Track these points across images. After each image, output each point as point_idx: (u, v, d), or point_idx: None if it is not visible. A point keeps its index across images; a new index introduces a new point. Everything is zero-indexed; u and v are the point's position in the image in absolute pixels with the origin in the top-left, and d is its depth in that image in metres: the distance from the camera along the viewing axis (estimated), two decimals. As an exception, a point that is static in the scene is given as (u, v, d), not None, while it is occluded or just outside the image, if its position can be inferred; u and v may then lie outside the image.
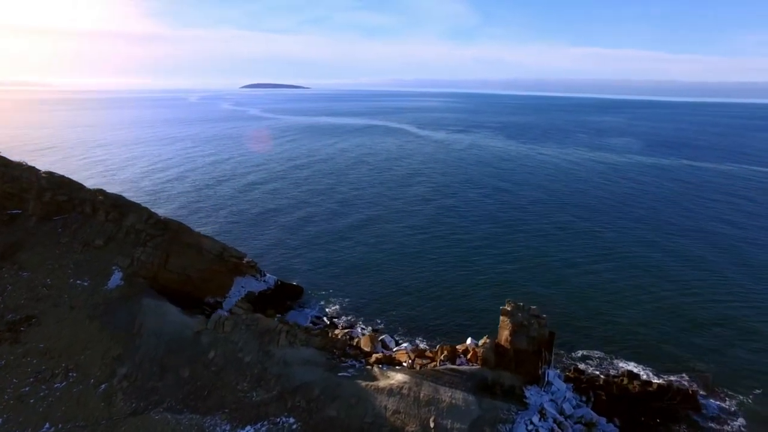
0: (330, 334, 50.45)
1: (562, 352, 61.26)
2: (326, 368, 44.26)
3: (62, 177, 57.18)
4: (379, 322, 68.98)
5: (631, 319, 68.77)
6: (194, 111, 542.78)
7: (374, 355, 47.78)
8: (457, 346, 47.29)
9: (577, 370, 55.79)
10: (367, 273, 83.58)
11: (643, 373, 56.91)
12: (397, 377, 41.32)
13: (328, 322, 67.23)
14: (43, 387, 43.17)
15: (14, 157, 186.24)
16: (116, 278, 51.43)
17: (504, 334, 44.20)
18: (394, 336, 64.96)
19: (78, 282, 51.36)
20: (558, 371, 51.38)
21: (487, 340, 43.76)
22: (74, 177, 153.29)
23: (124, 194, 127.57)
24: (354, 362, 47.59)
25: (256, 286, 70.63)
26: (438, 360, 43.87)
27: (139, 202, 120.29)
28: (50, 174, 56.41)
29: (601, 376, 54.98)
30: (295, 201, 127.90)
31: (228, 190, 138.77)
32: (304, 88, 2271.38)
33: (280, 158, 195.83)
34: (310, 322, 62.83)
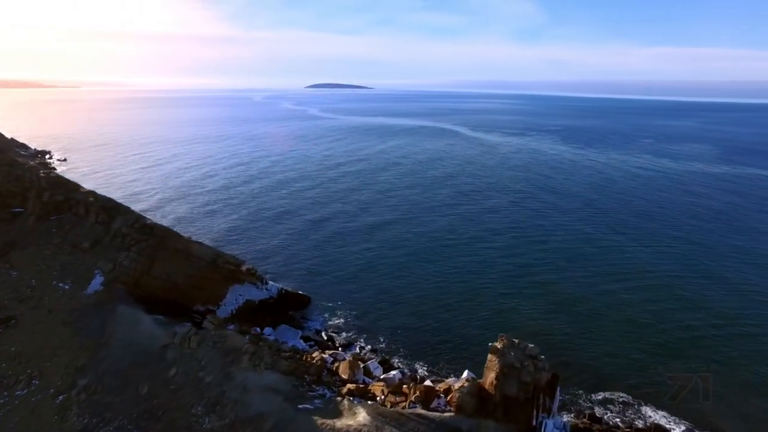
0: (305, 357, 46.21)
1: (581, 392, 53.47)
2: (288, 397, 40.07)
3: (59, 177, 57.24)
4: (381, 340, 64.15)
5: (669, 354, 59.31)
6: (255, 110, 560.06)
7: (348, 385, 43.04)
8: (439, 385, 41.53)
9: (592, 417, 48.03)
10: (381, 283, 78.82)
11: (676, 427, 48.17)
12: (359, 418, 36.37)
13: (326, 338, 63.28)
14: (5, 393, 42.12)
15: (76, 152, 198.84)
16: (96, 283, 50.11)
17: (490, 377, 37.96)
18: (396, 357, 60.06)
19: (60, 285, 50.58)
20: (563, 420, 44.20)
21: (466, 383, 37.68)
22: (117, 171, 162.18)
23: (154, 190, 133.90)
24: (325, 391, 43.13)
25: (256, 294, 67.82)
26: (408, 401, 38.39)
27: (167, 198, 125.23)
28: (48, 173, 56.56)
29: (620, 427, 47.07)
30: (318, 203, 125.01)
31: (254, 189, 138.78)
32: (367, 88, 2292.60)
33: (317, 158, 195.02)
34: (301, 338, 58.99)
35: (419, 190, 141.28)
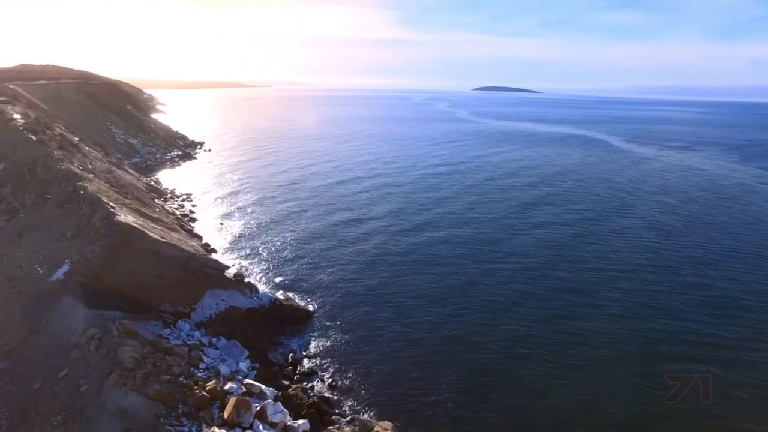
0: (193, 384, 42.47)
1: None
2: (134, 428, 36.96)
3: (69, 169, 63.22)
4: (349, 375, 57.14)
5: None
6: (406, 110, 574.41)
7: (214, 428, 38.10)
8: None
9: None
10: (400, 310, 69.51)
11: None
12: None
13: (288, 362, 58.84)
14: (-51, 365, 47.28)
15: (222, 144, 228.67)
16: (60, 272, 53.54)
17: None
18: (351, 401, 52.69)
19: (38, 268, 55.42)
20: None
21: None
22: (232, 160, 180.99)
23: (240, 180, 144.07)
24: (193, 428, 39.02)
25: (242, 301, 66.53)
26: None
27: (242, 188, 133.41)
28: (60, 166, 63.02)
29: None
30: (375, 208, 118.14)
31: (327, 189, 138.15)
32: (535, 92, 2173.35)
33: (411, 162, 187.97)
34: (247, 358, 55.36)
35: (497, 198, 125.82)
